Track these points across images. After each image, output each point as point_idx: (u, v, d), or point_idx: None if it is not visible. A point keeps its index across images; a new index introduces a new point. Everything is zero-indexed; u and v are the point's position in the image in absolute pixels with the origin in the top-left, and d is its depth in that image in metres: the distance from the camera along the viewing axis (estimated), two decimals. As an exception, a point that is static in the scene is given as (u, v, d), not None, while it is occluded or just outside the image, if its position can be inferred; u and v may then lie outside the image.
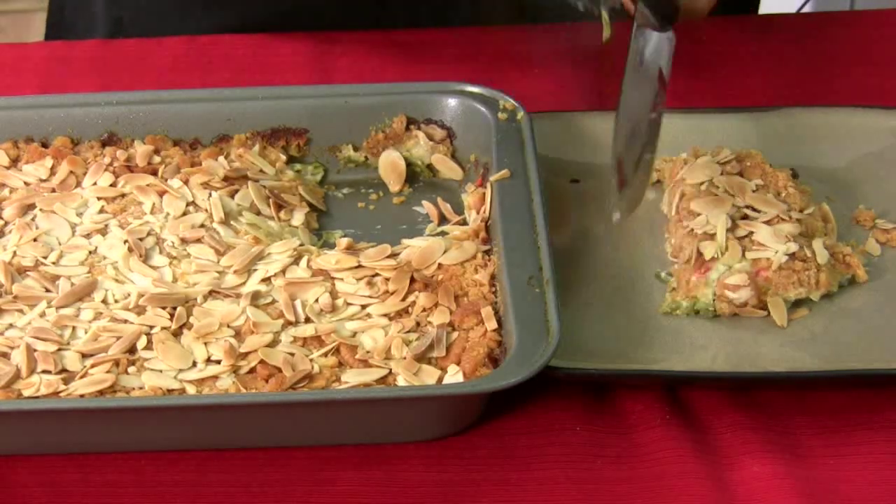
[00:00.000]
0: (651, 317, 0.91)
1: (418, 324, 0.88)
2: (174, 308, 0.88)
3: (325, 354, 0.86)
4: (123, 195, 0.96)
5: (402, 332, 0.87)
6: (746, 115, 1.03)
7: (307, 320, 0.88)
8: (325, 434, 0.84)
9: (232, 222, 0.94)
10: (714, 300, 0.90)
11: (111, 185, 0.97)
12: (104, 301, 0.89)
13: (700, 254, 0.91)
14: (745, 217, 0.92)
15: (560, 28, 1.14)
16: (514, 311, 0.85)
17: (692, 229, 0.92)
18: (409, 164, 1.00)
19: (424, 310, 0.88)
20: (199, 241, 0.92)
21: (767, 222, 0.92)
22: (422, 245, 0.92)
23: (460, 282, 0.90)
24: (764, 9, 1.21)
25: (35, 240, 0.93)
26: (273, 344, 0.86)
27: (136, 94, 1.02)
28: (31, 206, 0.96)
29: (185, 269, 0.91)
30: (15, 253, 0.92)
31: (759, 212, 0.93)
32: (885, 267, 0.94)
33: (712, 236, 0.92)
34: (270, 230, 0.94)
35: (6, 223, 0.95)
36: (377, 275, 0.90)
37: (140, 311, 0.88)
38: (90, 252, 0.92)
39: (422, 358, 0.86)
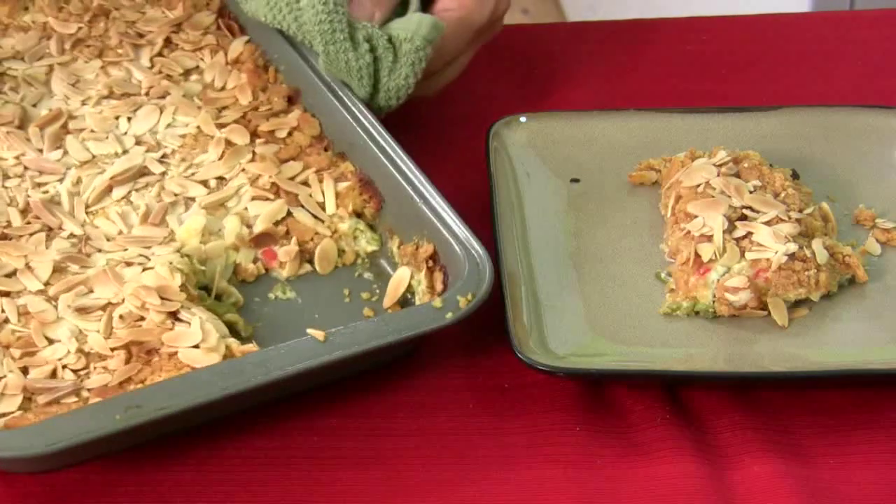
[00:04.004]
0: (651, 317, 0.91)
1: None
2: None
3: None
4: None
5: None
6: (746, 115, 1.03)
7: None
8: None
9: None
10: (714, 301, 0.90)
11: None
12: None
13: (698, 255, 0.91)
14: (744, 218, 0.92)
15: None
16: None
17: (689, 231, 0.92)
18: None
19: None
20: None
21: (766, 223, 0.92)
22: None
23: None
24: (764, 8, 1.20)
25: None
26: None
27: None
28: None
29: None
30: None
31: (757, 212, 0.93)
32: (885, 267, 0.94)
33: (710, 238, 0.92)
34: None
35: None
36: None
37: None
38: None
39: None
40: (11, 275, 0.88)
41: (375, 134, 0.94)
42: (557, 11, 2.31)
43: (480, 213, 0.98)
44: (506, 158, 0.99)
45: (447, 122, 1.07)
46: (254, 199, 0.93)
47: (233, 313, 0.89)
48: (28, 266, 0.88)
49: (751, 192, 0.94)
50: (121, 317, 0.85)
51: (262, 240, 0.92)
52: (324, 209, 0.93)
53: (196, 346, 0.83)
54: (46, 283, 0.87)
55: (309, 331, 0.82)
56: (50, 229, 0.91)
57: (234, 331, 0.88)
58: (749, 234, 0.92)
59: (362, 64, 0.95)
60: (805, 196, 0.96)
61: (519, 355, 0.86)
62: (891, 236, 0.96)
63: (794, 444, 0.85)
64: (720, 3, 1.40)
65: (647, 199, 0.98)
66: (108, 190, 0.93)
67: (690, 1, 1.53)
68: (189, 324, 0.84)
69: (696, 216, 0.93)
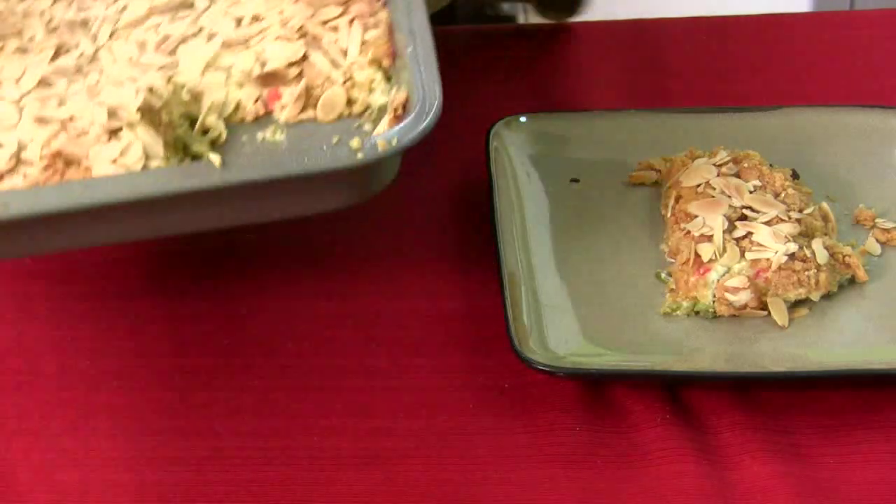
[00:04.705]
0: (651, 317, 0.91)
1: None
2: None
3: None
4: None
5: None
6: (746, 115, 1.03)
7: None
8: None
9: None
10: (714, 301, 0.90)
11: None
12: None
13: (698, 255, 0.91)
14: (744, 218, 0.92)
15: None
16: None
17: (689, 231, 0.92)
18: None
19: None
20: None
21: (766, 223, 0.92)
22: None
23: None
24: (766, 8, 1.20)
25: None
26: None
27: None
28: None
29: None
30: None
31: (757, 212, 0.93)
32: (885, 267, 0.94)
33: (710, 238, 0.92)
34: None
35: None
36: None
37: None
38: None
39: None
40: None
41: None
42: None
43: (480, 214, 0.98)
44: (506, 158, 0.99)
45: (447, 122, 1.07)
46: (277, 39, 0.89)
47: (204, 147, 0.85)
48: (21, 75, 0.87)
49: (751, 192, 0.94)
50: (66, 129, 0.84)
51: (270, 79, 0.88)
52: (346, 56, 0.89)
53: (113, 162, 0.82)
54: (27, 93, 0.86)
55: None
56: (66, 49, 0.89)
57: None
58: (749, 234, 0.92)
59: None
60: (805, 196, 0.96)
61: (519, 355, 0.86)
62: (891, 236, 0.96)
63: (794, 444, 0.85)
64: (720, 4, 1.40)
65: (647, 199, 0.98)
66: (146, 17, 0.91)
67: (691, 1, 1.53)
68: (124, 142, 0.83)
69: (696, 216, 0.93)
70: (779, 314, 0.90)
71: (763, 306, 0.90)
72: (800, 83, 1.11)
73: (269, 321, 0.93)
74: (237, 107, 0.88)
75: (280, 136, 0.86)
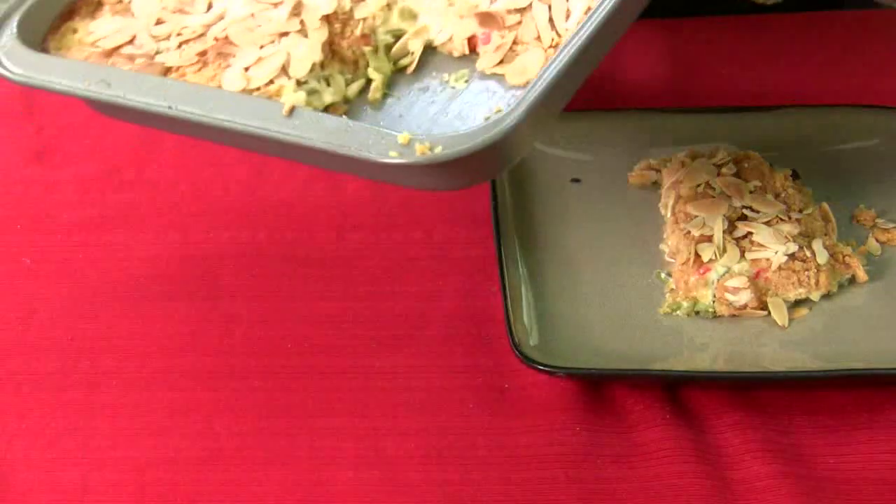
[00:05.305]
0: (651, 317, 0.91)
1: None
2: None
3: None
4: None
5: None
6: (746, 115, 1.03)
7: None
8: None
9: None
10: (714, 301, 0.90)
11: None
12: None
13: (698, 255, 0.91)
14: (744, 218, 0.93)
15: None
16: None
17: (689, 231, 0.92)
18: None
19: None
20: None
21: (767, 223, 0.92)
22: None
23: None
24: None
25: None
26: None
27: None
28: None
29: None
30: None
31: (758, 212, 0.93)
32: (885, 267, 0.94)
33: (710, 238, 0.92)
34: None
35: None
36: None
37: None
38: None
39: None
40: None
41: None
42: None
43: (480, 213, 0.98)
44: (506, 158, 0.99)
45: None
46: None
47: (380, 74, 0.83)
48: None
49: (751, 192, 0.94)
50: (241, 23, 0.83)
51: (488, 20, 0.84)
52: (567, 19, 0.84)
53: (246, 69, 0.81)
54: None
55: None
56: None
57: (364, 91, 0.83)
58: (749, 234, 0.92)
59: None
60: (805, 196, 0.96)
61: (519, 355, 0.86)
62: (891, 236, 0.96)
63: (794, 444, 0.85)
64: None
65: (647, 199, 0.98)
66: None
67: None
68: (279, 52, 0.81)
69: (696, 216, 0.93)
70: (779, 314, 0.90)
71: (763, 306, 0.90)
72: (800, 83, 1.11)
73: (269, 321, 0.93)
74: (450, 39, 0.85)
75: (462, 85, 0.84)
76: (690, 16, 1.16)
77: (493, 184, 0.96)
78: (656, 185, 0.99)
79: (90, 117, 1.07)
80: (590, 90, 1.10)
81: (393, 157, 0.75)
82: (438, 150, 0.75)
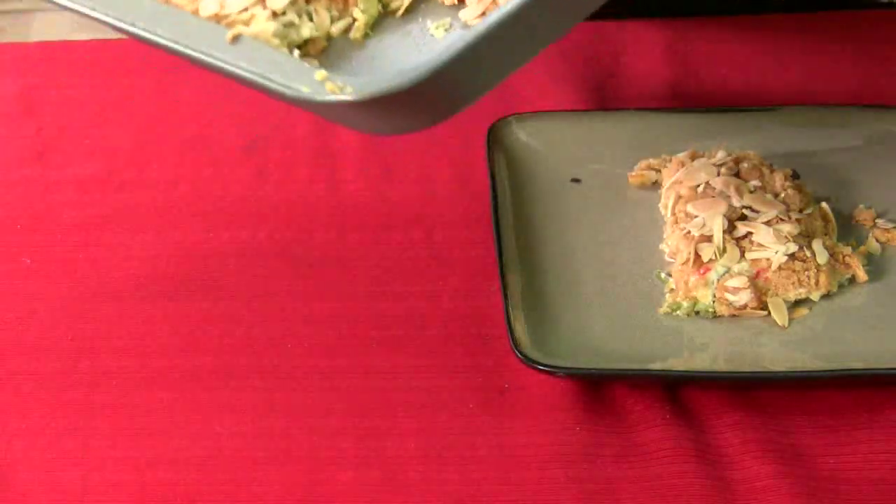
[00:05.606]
0: (651, 317, 0.91)
1: None
2: None
3: None
4: None
5: None
6: (746, 115, 1.03)
7: None
8: None
9: None
10: (714, 301, 0.90)
11: None
12: None
13: (698, 255, 0.91)
14: (744, 218, 0.93)
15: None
16: None
17: (689, 231, 0.92)
18: None
19: None
20: None
21: (766, 223, 0.92)
22: None
23: None
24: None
25: None
26: None
27: None
28: None
29: None
30: None
31: (757, 212, 0.93)
32: (885, 267, 0.94)
33: (709, 238, 0.92)
34: None
35: None
36: None
37: None
38: None
39: None
40: None
41: None
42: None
43: (480, 213, 0.98)
44: (506, 158, 0.99)
45: (448, 123, 1.06)
46: None
47: (364, 15, 0.82)
48: None
49: (751, 192, 0.94)
50: None
51: None
52: None
53: (245, 10, 0.79)
54: None
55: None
56: None
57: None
58: (749, 234, 0.92)
59: None
60: (805, 196, 0.96)
61: (519, 355, 0.86)
62: (891, 236, 0.96)
63: (794, 444, 0.85)
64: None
65: (647, 199, 0.98)
66: None
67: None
68: None
69: (696, 216, 0.93)
70: (779, 314, 0.90)
71: (763, 306, 0.90)
72: (800, 83, 1.11)
73: (269, 321, 0.93)
74: None
75: (440, 33, 0.83)
76: (690, 16, 1.16)
77: (493, 184, 0.96)
78: (656, 185, 0.99)
79: (90, 117, 1.08)
80: (590, 90, 1.11)
81: (304, 93, 0.73)
82: (349, 90, 0.73)
